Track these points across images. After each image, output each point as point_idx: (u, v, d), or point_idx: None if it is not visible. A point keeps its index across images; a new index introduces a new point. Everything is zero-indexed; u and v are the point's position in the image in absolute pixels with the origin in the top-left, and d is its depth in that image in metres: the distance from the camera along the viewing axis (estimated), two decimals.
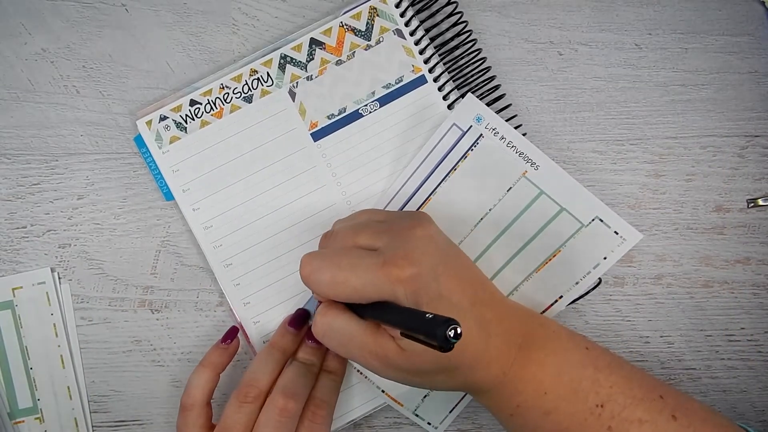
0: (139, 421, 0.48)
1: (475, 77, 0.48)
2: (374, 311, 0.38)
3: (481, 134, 0.46)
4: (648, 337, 0.48)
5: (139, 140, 0.48)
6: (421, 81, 0.47)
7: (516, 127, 0.46)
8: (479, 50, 0.48)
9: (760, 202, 0.48)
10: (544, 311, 0.46)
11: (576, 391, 0.38)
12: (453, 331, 0.29)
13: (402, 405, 0.47)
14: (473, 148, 0.46)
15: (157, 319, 0.48)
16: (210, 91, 0.48)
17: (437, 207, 0.46)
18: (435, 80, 0.47)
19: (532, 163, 0.45)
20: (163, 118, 0.47)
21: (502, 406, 0.40)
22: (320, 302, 0.41)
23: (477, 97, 0.46)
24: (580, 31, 0.49)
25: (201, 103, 0.47)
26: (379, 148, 0.47)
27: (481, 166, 0.46)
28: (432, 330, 0.30)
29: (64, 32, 0.49)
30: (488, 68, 0.48)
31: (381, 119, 0.47)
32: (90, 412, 0.48)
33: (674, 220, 0.49)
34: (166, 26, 0.49)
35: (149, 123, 0.48)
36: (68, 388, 0.48)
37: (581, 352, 0.40)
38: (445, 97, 0.47)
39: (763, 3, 0.49)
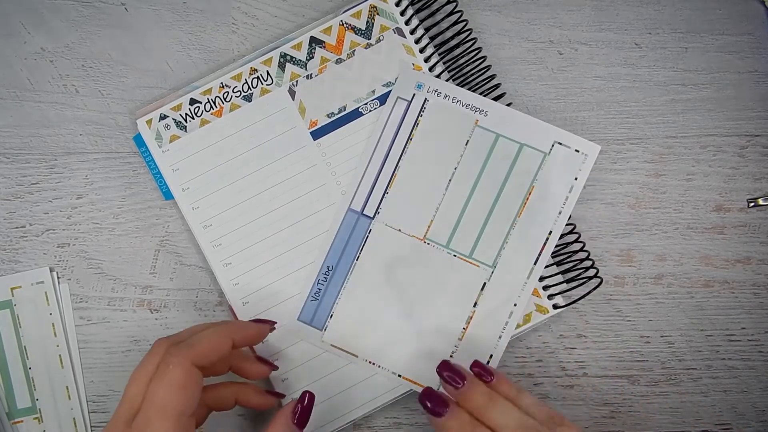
0: None
1: (475, 76, 0.47)
2: None
3: (426, 98, 0.47)
4: (648, 336, 0.48)
5: (139, 139, 0.48)
6: None
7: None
8: (479, 49, 0.48)
9: (761, 201, 0.48)
10: (540, 254, 0.46)
11: None
12: None
13: (422, 386, 0.46)
14: (422, 113, 0.47)
15: (156, 319, 0.48)
16: (210, 90, 0.47)
17: (405, 182, 0.47)
18: None
19: (481, 111, 0.46)
20: (163, 117, 0.47)
21: None
22: None
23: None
24: (580, 31, 0.49)
25: (201, 102, 0.47)
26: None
27: (434, 129, 0.47)
28: None
29: (64, 31, 0.49)
30: (488, 67, 0.48)
31: (381, 118, 0.47)
32: (89, 412, 0.48)
33: (674, 220, 0.49)
34: (165, 26, 0.49)
35: (149, 122, 0.47)
36: (67, 387, 0.48)
37: None
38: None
39: (763, 3, 0.49)
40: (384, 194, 0.47)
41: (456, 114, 0.46)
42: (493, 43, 0.49)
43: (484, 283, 0.46)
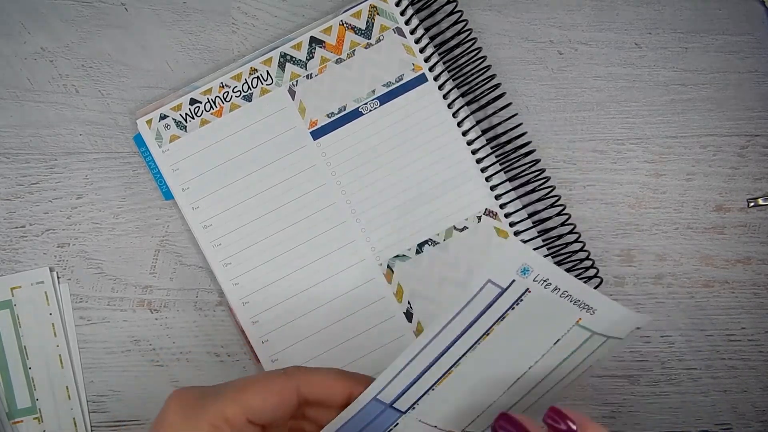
0: (138, 421, 0.48)
1: (475, 76, 0.47)
2: None
3: (528, 289, 0.33)
4: (648, 336, 0.48)
5: (139, 139, 0.48)
6: (421, 79, 0.47)
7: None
8: (479, 49, 0.48)
9: (761, 201, 0.48)
10: None
11: None
12: None
13: None
14: (514, 306, 0.33)
15: (156, 319, 0.48)
16: (210, 90, 0.47)
17: (460, 381, 0.35)
18: (435, 79, 0.47)
19: (588, 308, 0.34)
20: (163, 117, 0.47)
21: None
22: None
23: (477, 97, 0.46)
24: (580, 31, 0.49)
25: (201, 102, 0.47)
26: (378, 147, 0.47)
27: (522, 326, 0.34)
28: None
29: (64, 31, 0.49)
30: (488, 67, 0.48)
31: (381, 118, 0.47)
32: (89, 412, 0.48)
33: (674, 220, 0.49)
34: (165, 25, 0.49)
35: (149, 122, 0.47)
36: (67, 387, 0.48)
37: None
38: (445, 96, 0.47)
39: (763, 3, 0.49)
40: (428, 391, 0.35)
41: (559, 310, 0.33)
42: (493, 43, 0.49)
43: None
